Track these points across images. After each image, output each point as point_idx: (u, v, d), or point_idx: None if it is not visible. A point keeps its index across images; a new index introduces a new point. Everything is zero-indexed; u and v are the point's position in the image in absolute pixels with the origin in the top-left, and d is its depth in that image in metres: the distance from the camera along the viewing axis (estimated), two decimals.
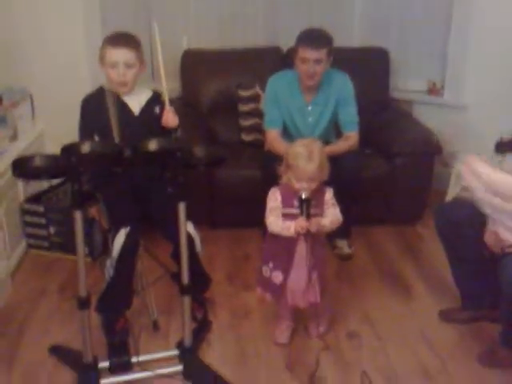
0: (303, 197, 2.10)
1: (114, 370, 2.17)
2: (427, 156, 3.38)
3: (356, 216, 3.14)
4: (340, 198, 2.87)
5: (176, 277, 2.36)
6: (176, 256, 2.25)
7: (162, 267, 2.68)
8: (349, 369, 2.24)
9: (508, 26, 3.41)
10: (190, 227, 2.34)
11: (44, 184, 3.28)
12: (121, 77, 2.29)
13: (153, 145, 1.90)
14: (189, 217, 2.18)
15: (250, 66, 3.72)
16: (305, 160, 2.12)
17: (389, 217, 3.47)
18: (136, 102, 2.38)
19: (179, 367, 2.18)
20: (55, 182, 3.29)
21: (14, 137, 3.05)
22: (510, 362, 2.23)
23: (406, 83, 4.01)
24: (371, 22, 3.99)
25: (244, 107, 3.61)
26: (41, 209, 3.01)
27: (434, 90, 3.91)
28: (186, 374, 2.17)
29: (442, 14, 3.72)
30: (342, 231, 3.11)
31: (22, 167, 1.92)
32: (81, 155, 1.84)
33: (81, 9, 3.39)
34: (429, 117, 3.78)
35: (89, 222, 2.87)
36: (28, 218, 3.06)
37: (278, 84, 3.04)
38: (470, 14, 3.53)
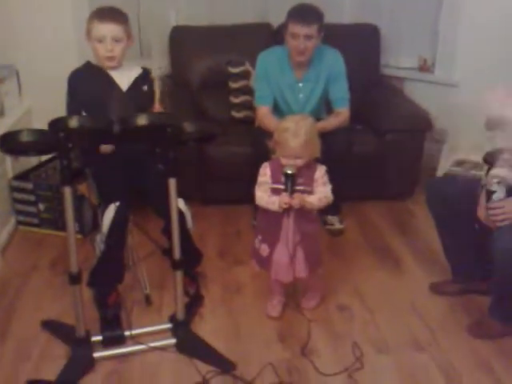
0: (288, 172, 2.10)
1: (107, 344, 2.17)
2: (418, 132, 3.38)
3: (347, 192, 3.14)
4: (330, 174, 2.90)
5: (167, 252, 2.37)
6: (167, 232, 2.25)
7: (152, 243, 2.69)
8: (340, 340, 2.25)
9: (500, 2, 3.40)
10: (181, 203, 2.33)
11: (33, 160, 3.25)
12: (108, 52, 2.26)
13: (142, 120, 1.87)
14: (180, 193, 2.18)
15: (239, 42, 3.68)
16: (291, 136, 2.11)
17: (380, 193, 3.49)
18: (124, 78, 2.34)
19: (172, 340, 2.19)
20: (44, 158, 3.27)
21: (1, 113, 3.02)
22: (499, 333, 2.26)
23: (397, 60, 3.99)
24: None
25: (234, 84, 3.58)
26: (29, 186, 2.99)
27: (424, 67, 3.89)
28: (179, 346, 2.18)
29: None
30: (333, 207, 3.10)
31: (10, 143, 1.89)
32: (69, 130, 1.81)
33: None
34: (420, 94, 3.78)
35: (78, 199, 2.85)
36: (17, 195, 3.03)
37: (268, 60, 3.02)
38: None
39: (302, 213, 2.20)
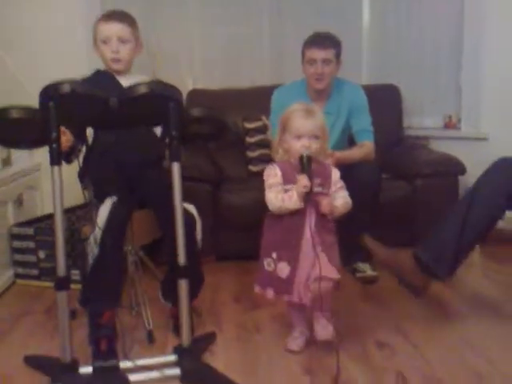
0: (304, 155, 1.85)
1: (97, 376, 1.79)
2: (450, 177, 3.12)
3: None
4: (359, 215, 2.61)
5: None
6: (170, 241, 1.90)
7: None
8: (381, 372, 1.84)
9: None
10: (193, 209, 2.09)
11: (36, 211, 3.05)
12: (114, 53, 2.14)
13: (142, 88, 1.68)
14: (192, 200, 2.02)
15: (255, 101, 3.55)
16: (304, 113, 1.91)
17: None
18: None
19: (176, 371, 1.80)
20: (47, 211, 3.05)
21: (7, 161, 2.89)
22: None
23: (421, 121, 3.84)
24: (380, 60, 3.89)
25: (251, 139, 3.45)
26: (30, 231, 2.75)
27: (450, 124, 3.73)
28: (184, 378, 1.77)
29: (453, 44, 3.65)
30: (363, 255, 2.80)
31: None
32: (60, 97, 1.62)
33: None
34: (448, 151, 3.56)
35: (81, 242, 2.59)
36: (16, 244, 2.78)
37: (285, 94, 2.85)
38: (480, 43, 3.47)
39: (323, 222, 1.91)
